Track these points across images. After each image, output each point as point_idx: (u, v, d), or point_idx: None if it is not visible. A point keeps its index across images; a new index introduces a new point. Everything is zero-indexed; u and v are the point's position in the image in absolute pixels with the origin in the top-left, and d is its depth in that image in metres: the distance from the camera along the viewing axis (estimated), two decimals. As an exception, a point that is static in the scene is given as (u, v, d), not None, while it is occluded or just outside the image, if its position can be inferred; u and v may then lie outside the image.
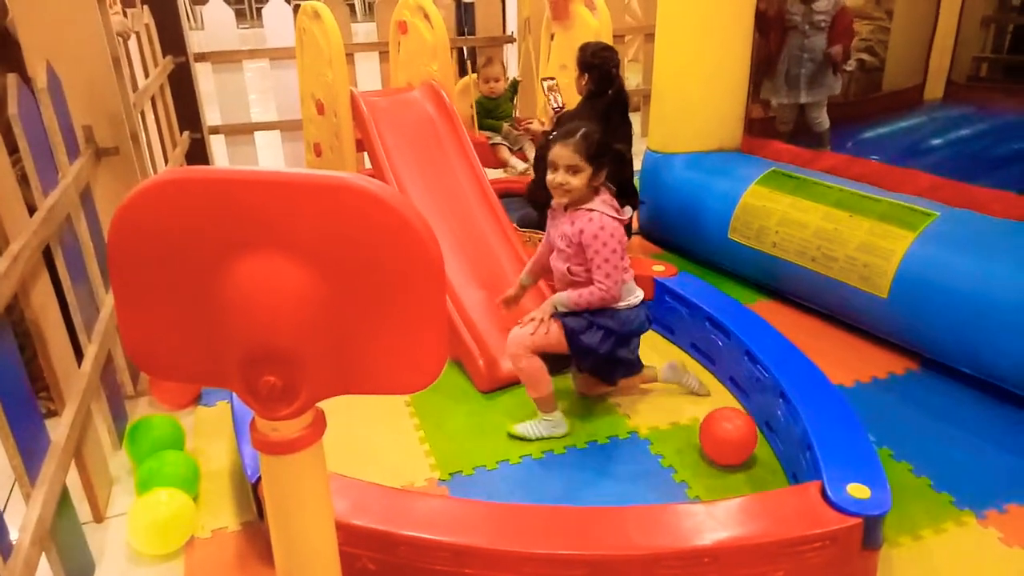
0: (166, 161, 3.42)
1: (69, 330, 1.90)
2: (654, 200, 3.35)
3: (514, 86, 4.19)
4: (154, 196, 0.89)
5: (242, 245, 0.89)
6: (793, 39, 3.58)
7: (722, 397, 2.31)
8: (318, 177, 0.87)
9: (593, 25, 3.44)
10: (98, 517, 1.86)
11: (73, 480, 1.70)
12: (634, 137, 3.05)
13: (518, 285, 2.29)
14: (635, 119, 3.07)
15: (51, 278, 1.83)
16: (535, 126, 3.57)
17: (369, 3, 11.68)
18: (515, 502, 1.81)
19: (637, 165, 3.16)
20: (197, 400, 2.34)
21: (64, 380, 1.79)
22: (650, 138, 3.43)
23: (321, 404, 0.99)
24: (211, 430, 2.20)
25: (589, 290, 2.03)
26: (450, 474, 2.00)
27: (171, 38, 3.80)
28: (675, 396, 2.31)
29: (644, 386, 2.34)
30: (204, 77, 4.19)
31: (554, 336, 2.06)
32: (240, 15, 8.65)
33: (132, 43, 3.24)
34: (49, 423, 1.66)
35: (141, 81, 3.18)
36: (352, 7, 11.84)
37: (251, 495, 1.74)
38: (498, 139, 4.03)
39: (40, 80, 1.92)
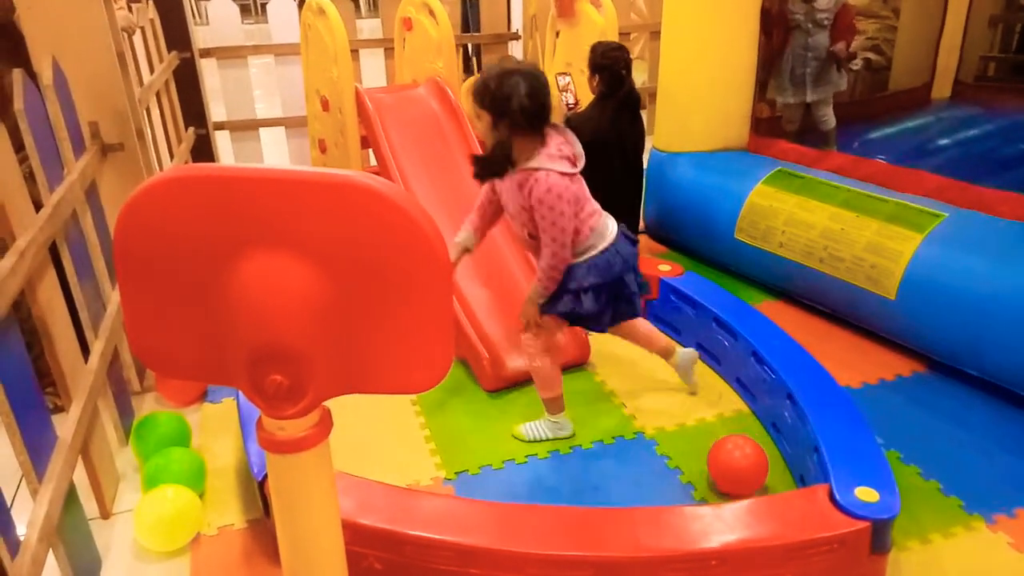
0: (171, 157, 3.42)
1: (75, 326, 1.90)
2: (660, 199, 3.34)
3: None
4: (160, 194, 0.88)
5: (248, 243, 0.88)
6: (796, 38, 3.57)
7: (728, 397, 2.30)
8: (324, 175, 0.87)
9: (599, 23, 3.43)
10: (105, 513, 1.86)
11: (80, 477, 1.70)
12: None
13: (459, 248, 2.05)
14: (643, 118, 3.06)
15: (57, 275, 1.83)
16: None
17: (373, 1, 11.69)
18: (521, 502, 1.80)
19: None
20: (203, 397, 2.34)
21: (71, 377, 1.78)
22: (656, 137, 3.41)
23: (327, 403, 0.99)
24: (217, 427, 2.20)
25: (541, 267, 1.91)
26: (456, 473, 1.99)
27: (176, 33, 3.79)
28: (682, 397, 2.31)
29: (641, 381, 2.32)
30: (209, 73, 4.19)
31: (555, 325, 2.02)
32: (245, 11, 8.66)
33: (137, 38, 3.23)
34: (56, 419, 1.66)
35: (146, 77, 3.17)
36: (357, 3, 11.83)
37: (257, 492, 1.74)
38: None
39: (45, 76, 1.92)
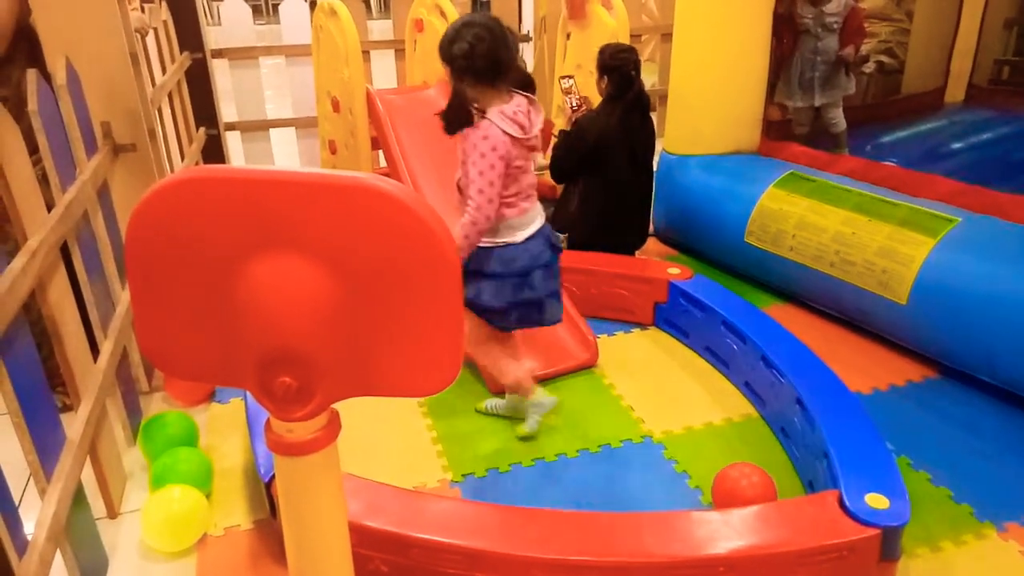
0: (182, 157, 3.43)
1: (85, 326, 1.91)
2: (670, 202, 3.33)
3: None
4: (171, 195, 0.88)
5: (258, 245, 0.88)
6: (806, 42, 3.56)
7: (737, 401, 2.29)
8: (335, 177, 0.87)
9: (610, 25, 3.42)
10: (112, 513, 1.86)
11: (87, 476, 1.71)
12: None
13: None
14: (653, 120, 3.05)
15: (67, 274, 1.84)
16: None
17: (385, 0, 11.71)
18: (527, 505, 1.80)
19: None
20: (211, 397, 2.35)
21: (80, 376, 1.79)
22: (666, 140, 3.40)
23: (335, 405, 0.99)
24: (224, 427, 2.20)
25: (461, 222, 1.81)
26: (462, 475, 1.99)
27: (189, 34, 3.81)
28: (690, 400, 2.29)
29: (649, 385, 2.31)
30: (221, 73, 4.21)
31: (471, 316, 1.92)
32: (257, 11, 8.68)
33: (150, 39, 3.25)
34: (64, 418, 1.67)
35: (159, 77, 3.19)
36: (368, 4, 11.86)
37: (264, 493, 1.74)
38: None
39: (59, 76, 1.93)
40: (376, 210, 0.86)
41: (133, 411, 2.18)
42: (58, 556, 1.49)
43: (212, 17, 8.30)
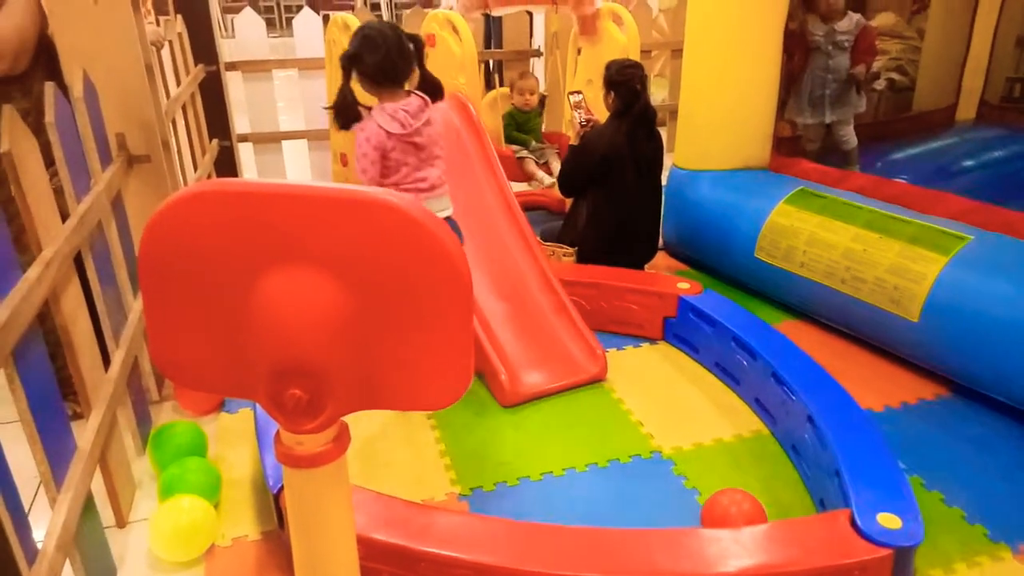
0: (195, 169, 3.46)
1: (97, 335, 1.92)
2: (680, 217, 3.33)
3: (542, 101, 4.21)
4: (184, 208, 0.89)
5: (271, 258, 0.89)
6: (816, 59, 3.56)
7: (747, 417, 2.27)
8: (346, 192, 0.87)
9: (621, 40, 3.44)
10: (120, 522, 1.87)
11: (96, 485, 1.71)
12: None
13: None
14: (661, 134, 3.05)
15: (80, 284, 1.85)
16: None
17: (397, 16, 11.82)
18: (535, 520, 1.79)
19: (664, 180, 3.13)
20: (220, 406, 2.36)
21: (91, 386, 1.80)
22: (676, 155, 3.41)
23: (344, 417, 0.99)
24: (233, 437, 2.21)
25: None
26: (471, 489, 1.98)
27: (203, 47, 3.85)
28: (700, 416, 2.28)
29: (658, 400, 2.30)
30: (234, 85, 4.25)
31: None
32: (270, 24, 8.78)
33: (165, 51, 3.29)
34: (74, 427, 1.67)
35: (173, 89, 3.22)
36: (381, 19, 11.98)
37: (272, 504, 1.74)
38: (524, 152, 4.04)
39: (77, 89, 1.95)
40: (388, 224, 0.87)
41: (143, 420, 2.19)
42: (67, 564, 1.50)
43: (226, 30, 8.39)
